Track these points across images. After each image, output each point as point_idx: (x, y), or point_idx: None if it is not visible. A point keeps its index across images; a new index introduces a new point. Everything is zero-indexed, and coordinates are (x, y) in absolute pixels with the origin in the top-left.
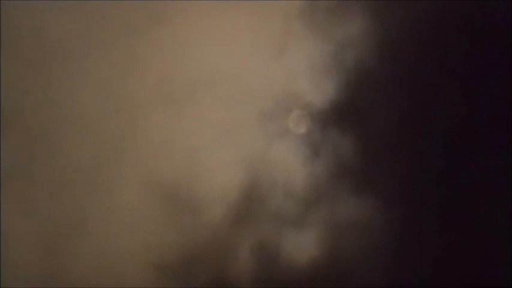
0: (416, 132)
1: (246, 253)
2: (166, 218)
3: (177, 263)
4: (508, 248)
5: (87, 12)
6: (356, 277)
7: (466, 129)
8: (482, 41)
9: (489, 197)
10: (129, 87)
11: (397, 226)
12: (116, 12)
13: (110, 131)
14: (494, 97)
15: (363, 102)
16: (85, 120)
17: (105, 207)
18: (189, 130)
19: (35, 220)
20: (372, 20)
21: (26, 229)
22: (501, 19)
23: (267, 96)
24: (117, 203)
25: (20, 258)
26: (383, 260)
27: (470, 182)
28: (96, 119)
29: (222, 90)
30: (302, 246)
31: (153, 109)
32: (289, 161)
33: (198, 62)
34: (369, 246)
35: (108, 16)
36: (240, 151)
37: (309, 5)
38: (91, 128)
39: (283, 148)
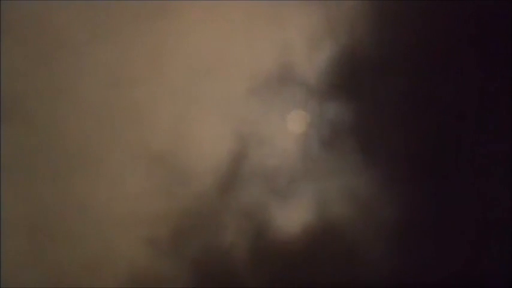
0: (413, 108)
1: (238, 222)
2: (158, 189)
3: (169, 234)
4: None
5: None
6: (351, 248)
7: (468, 105)
8: (486, 18)
9: (491, 175)
10: (129, 72)
11: (395, 197)
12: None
13: (111, 117)
14: (497, 72)
15: (358, 77)
16: (86, 106)
17: (105, 191)
18: (181, 101)
19: (34, 206)
20: None
21: (24, 211)
22: None
23: (259, 68)
24: (113, 180)
25: (16, 245)
26: (381, 234)
27: (473, 159)
28: (97, 106)
29: (213, 61)
30: (294, 216)
31: (146, 84)
32: (282, 132)
33: (191, 37)
34: (363, 216)
35: (110, 3)
36: (231, 121)
37: None
38: (91, 115)
39: (276, 119)
